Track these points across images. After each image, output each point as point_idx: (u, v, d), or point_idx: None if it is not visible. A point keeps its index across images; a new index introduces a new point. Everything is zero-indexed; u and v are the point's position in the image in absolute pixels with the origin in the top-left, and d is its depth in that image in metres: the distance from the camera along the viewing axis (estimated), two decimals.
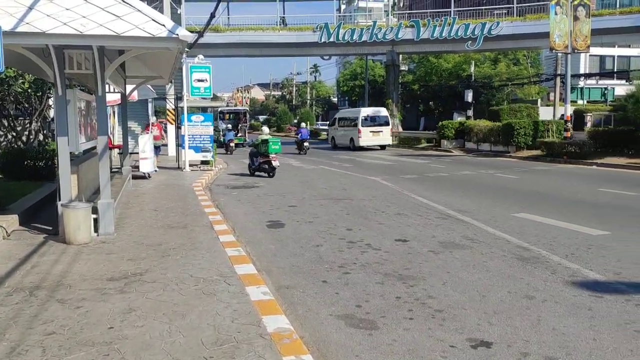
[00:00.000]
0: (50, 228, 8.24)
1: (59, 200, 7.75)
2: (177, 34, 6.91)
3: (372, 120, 31.53)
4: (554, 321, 4.90)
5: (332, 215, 10.32)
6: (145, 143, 15.33)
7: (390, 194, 13.03)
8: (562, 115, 35.94)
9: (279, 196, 12.88)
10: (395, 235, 8.51)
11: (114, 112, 20.20)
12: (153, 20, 7.04)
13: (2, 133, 16.01)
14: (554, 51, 22.32)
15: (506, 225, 9.14)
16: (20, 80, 14.82)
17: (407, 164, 21.24)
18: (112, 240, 7.67)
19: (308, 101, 78.07)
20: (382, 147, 31.25)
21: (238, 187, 14.72)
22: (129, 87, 13.54)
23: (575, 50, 21.76)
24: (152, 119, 19.70)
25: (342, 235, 8.56)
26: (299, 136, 29.70)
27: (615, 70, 53.01)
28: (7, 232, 7.74)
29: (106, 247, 7.31)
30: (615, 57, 55.20)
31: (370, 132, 30.79)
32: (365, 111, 32.82)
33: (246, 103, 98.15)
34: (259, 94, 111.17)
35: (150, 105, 27.63)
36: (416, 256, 7.23)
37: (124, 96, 13.36)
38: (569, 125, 21.96)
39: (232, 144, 28.49)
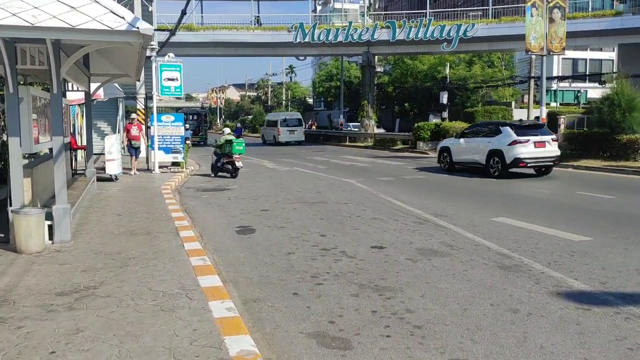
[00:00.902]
0: (2, 235, 7.65)
1: (10, 205, 7.18)
2: (138, 27, 6.41)
3: (289, 123, 40.16)
4: (542, 338, 4.55)
5: (305, 220, 9.89)
6: (112, 144, 14.70)
7: (365, 197, 12.66)
8: (537, 117, 36.22)
9: (251, 199, 12.41)
10: (371, 241, 8.12)
11: (81, 112, 19.52)
12: (111, 12, 6.53)
13: None
14: (529, 53, 22.24)
15: (485, 230, 8.83)
16: None
17: (382, 166, 20.92)
18: (67, 249, 7.13)
19: (284, 102, 77.50)
20: (298, 143, 39.42)
21: (209, 190, 14.21)
22: (93, 86, 12.93)
23: (551, 53, 21.70)
24: (133, 116, 18.50)
25: (315, 241, 8.14)
26: (235, 132, 38.23)
27: (588, 73, 53.66)
28: None
29: (60, 256, 6.77)
30: (588, 61, 55.83)
31: (287, 131, 39.61)
32: (283, 115, 42.98)
33: (221, 104, 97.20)
34: (234, 95, 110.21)
35: (120, 105, 26.91)
36: (393, 265, 6.85)
37: (88, 95, 12.75)
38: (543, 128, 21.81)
39: (188, 142, 28.52)
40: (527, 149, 16.17)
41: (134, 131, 17.34)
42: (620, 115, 18.67)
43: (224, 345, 4.10)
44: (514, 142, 16.19)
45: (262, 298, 5.62)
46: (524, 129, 16.93)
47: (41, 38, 6.69)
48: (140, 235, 8.02)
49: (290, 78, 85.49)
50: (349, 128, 42.33)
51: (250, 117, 72.75)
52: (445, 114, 40.19)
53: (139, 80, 16.23)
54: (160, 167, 17.93)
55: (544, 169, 17.15)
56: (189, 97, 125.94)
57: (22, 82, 8.09)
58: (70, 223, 7.41)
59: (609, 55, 54.85)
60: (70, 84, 12.90)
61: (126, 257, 6.71)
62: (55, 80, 7.10)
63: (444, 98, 40.15)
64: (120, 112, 26.72)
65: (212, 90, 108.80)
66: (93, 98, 15.82)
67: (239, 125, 47.38)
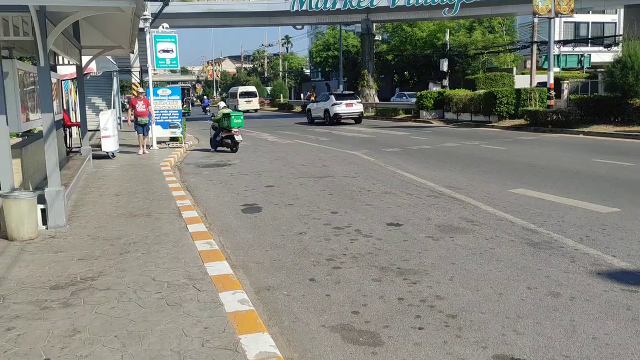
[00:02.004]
0: None
1: None
2: None
3: (246, 94, 50.15)
4: (592, 327, 4.08)
5: (313, 196, 9.39)
6: (107, 120, 14.11)
7: (373, 169, 12.15)
8: (545, 83, 35.48)
9: (254, 175, 11.89)
10: (386, 218, 7.63)
11: (74, 87, 18.84)
12: None
13: None
14: (537, 16, 21.49)
15: (505, 203, 8.34)
16: None
17: (387, 137, 20.36)
18: (63, 235, 6.63)
19: (280, 73, 76.36)
20: (255, 111, 48.84)
21: (209, 166, 13.68)
22: (85, 59, 12.27)
23: (559, 15, 20.96)
24: (140, 90, 16.63)
25: (327, 219, 7.65)
26: (202, 104, 49.44)
27: (590, 36, 52.64)
28: None
29: (55, 243, 6.28)
30: (590, 24, 54.69)
31: (245, 101, 48.87)
32: (241, 88, 52.35)
33: (217, 76, 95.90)
34: (230, 67, 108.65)
35: (115, 79, 26.19)
36: (413, 244, 6.37)
37: (80, 68, 12.10)
38: (552, 93, 21.26)
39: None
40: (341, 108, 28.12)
41: (140, 107, 15.79)
42: (634, 79, 18.03)
43: (240, 346, 3.63)
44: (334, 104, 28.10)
45: (277, 285, 5.14)
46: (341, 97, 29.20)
47: (24, 5, 6.09)
48: (140, 217, 7.52)
49: (287, 49, 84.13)
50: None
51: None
52: (446, 82, 39.45)
53: (132, 53, 15.50)
54: (158, 142, 17.36)
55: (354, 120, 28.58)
56: (184, 71, 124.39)
57: (7, 56, 7.49)
58: (64, 206, 6.90)
59: (612, 17, 53.77)
60: (60, 58, 12.22)
61: (126, 243, 6.22)
62: (42, 52, 6.50)
63: (444, 65, 39.37)
64: (115, 86, 26.00)
65: (208, 63, 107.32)
66: (86, 72, 15.17)
67: (205, 98, 54.90)
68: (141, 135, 15.81)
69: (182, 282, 4.87)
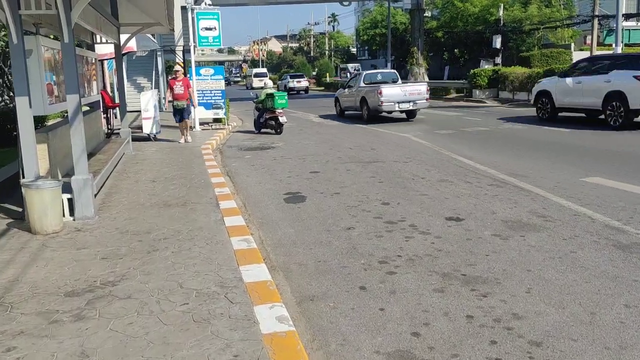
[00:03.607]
0: (21, 209, 6.68)
1: (22, 177, 6.16)
2: None
3: (259, 75, 57.25)
4: None
5: (362, 183, 8.62)
6: (148, 101, 13.64)
7: (426, 154, 11.26)
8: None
9: (299, 159, 11.19)
10: (444, 211, 6.81)
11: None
12: None
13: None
14: None
15: (579, 194, 7.37)
16: (3, 32, 13.08)
17: (439, 118, 19.30)
18: (90, 227, 6.10)
19: (326, 52, 75.27)
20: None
21: (252, 149, 13.06)
22: (123, 38, 11.76)
23: None
24: (177, 68, 14.26)
25: (377, 212, 6.89)
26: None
27: None
28: None
29: (80, 237, 5.74)
30: None
31: (258, 80, 52.33)
32: (255, 70, 61.79)
33: (263, 56, 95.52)
34: (276, 46, 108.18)
35: (159, 59, 25.89)
36: (478, 243, 5.54)
37: (118, 47, 11.60)
38: None
39: None
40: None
41: (178, 88, 13.43)
42: None
43: None
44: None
45: (321, 295, 4.43)
46: None
47: None
48: (174, 208, 6.93)
49: (333, 27, 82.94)
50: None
51: (292, 69, 70.96)
52: (499, 60, 37.65)
53: (173, 30, 14.92)
54: (200, 124, 16.87)
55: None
56: (231, 51, 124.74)
57: (33, 32, 6.96)
58: (92, 195, 6.36)
59: None
60: (98, 37, 11.74)
61: (156, 238, 5.62)
62: (66, 27, 5.92)
63: (497, 42, 37.56)
64: (160, 66, 25.70)
65: (254, 43, 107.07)
66: (126, 51, 14.73)
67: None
68: (180, 122, 13.77)
69: (213, 291, 4.21)
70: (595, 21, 37.52)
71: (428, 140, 13.17)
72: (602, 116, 14.60)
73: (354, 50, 75.45)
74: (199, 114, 16.73)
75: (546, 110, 16.54)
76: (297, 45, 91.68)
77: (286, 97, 15.79)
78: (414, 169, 9.62)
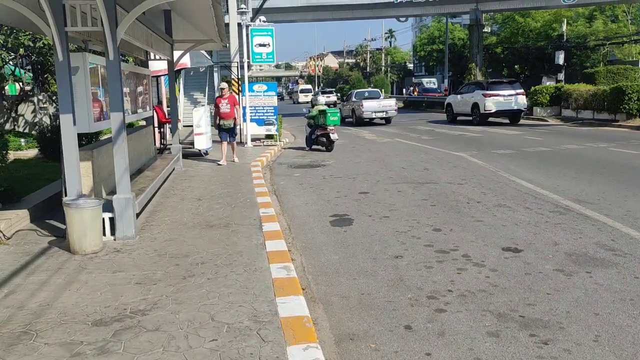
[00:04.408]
0: (65, 227, 6.62)
1: (65, 195, 6.10)
2: None
3: (305, 91, 63.90)
4: None
5: (413, 206, 8.21)
6: (200, 117, 13.66)
7: (483, 175, 10.72)
8: None
9: (349, 179, 10.86)
10: (501, 240, 6.32)
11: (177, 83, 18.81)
12: None
13: (44, 106, 14.79)
14: None
15: None
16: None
17: (496, 136, 18.60)
18: (129, 248, 5.95)
19: (382, 68, 74.89)
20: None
21: (302, 167, 12.83)
22: (177, 54, 11.81)
23: None
24: (223, 85, 12.88)
25: (428, 239, 6.47)
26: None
27: None
28: (3, 234, 6.17)
29: (118, 259, 5.59)
30: None
31: (304, 95, 60.88)
32: (301, 87, 65.14)
33: (319, 72, 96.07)
34: (332, 62, 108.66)
35: (215, 74, 26.24)
36: (539, 279, 5.05)
37: (171, 64, 11.66)
38: None
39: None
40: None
41: (224, 106, 12.42)
42: None
43: None
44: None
45: (363, 333, 4.07)
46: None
47: None
48: (217, 229, 6.72)
49: (390, 43, 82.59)
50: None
51: (348, 85, 70.97)
52: (561, 76, 36.33)
53: (226, 46, 14.97)
54: (252, 140, 16.84)
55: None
56: (288, 66, 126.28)
57: (82, 48, 6.96)
58: (133, 215, 6.22)
59: None
60: (152, 54, 11.83)
61: (193, 263, 5.40)
62: (111, 44, 5.84)
63: (560, 58, 36.26)
64: (216, 81, 26.03)
65: (311, 59, 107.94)
66: (180, 67, 14.87)
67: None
68: (225, 142, 12.68)
69: (245, 326, 3.92)
70: None
71: (485, 161, 12.59)
72: (471, 117, 24.17)
73: (410, 65, 74.79)
74: (251, 130, 16.70)
75: (451, 115, 25.97)
76: (354, 61, 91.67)
77: (339, 114, 15.54)
78: (469, 192, 9.13)
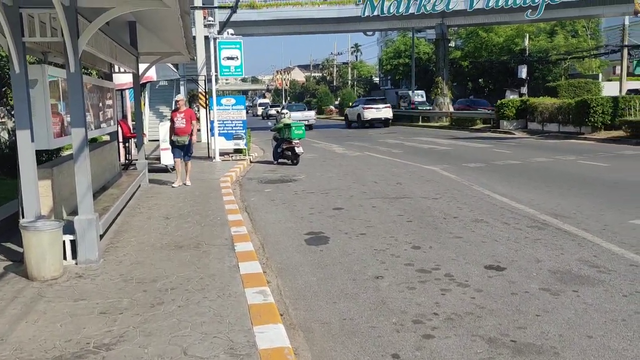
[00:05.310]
0: (21, 252, 6.17)
1: (22, 217, 5.68)
2: None
3: (262, 104, 68.33)
4: None
5: (389, 222, 8.00)
6: (166, 131, 13.22)
7: (456, 189, 10.60)
8: (637, 90, 32.42)
9: (321, 194, 10.61)
10: (482, 257, 6.14)
11: (143, 97, 18.31)
12: None
13: (3, 120, 14.13)
14: (638, 15, 19.20)
15: (632, 239, 6.66)
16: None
17: (466, 149, 18.63)
18: (92, 273, 5.56)
19: (349, 82, 75.24)
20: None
21: (273, 182, 12.52)
22: (142, 67, 11.42)
23: None
24: (178, 97, 11.66)
25: (408, 257, 6.25)
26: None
27: None
28: None
29: (80, 285, 5.19)
30: None
31: (262, 108, 65.31)
32: (260, 100, 70.54)
33: (286, 85, 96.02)
34: (299, 76, 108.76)
35: (182, 88, 25.78)
36: (526, 300, 4.86)
37: (136, 77, 11.26)
38: None
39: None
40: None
41: (179, 121, 11.16)
42: None
43: None
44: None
45: None
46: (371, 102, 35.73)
47: None
48: (186, 250, 6.37)
49: (356, 57, 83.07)
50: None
51: (315, 99, 71.00)
52: (524, 90, 36.94)
53: (194, 59, 14.63)
54: (221, 154, 16.46)
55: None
56: (255, 80, 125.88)
57: (41, 60, 6.57)
58: (97, 237, 5.83)
59: None
60: (117, 67, 11.41)
61: (162, 288, 5.05)
62: (72, 55, 5.49)
63: (523, 72, 36.85)
64: (182, 95, 25.55)
65: (277, 72, 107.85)
66: (146, 81, 14.45)
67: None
68: (178, 160, 11.45)
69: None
70: (625, 51, 36.72)
71: (457, 174, 12.50)
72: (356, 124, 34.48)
73: (376, 79, 75.33)
74: (219, 144, 16.33)
75: (347, 121, 36.19)
76: (320, 74, 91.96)
77: (303, 128, 15.50)
78: (445, 207, 8.98)
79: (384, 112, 33.74)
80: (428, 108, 38.58)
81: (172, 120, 11.43)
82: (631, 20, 38.20)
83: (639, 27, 44.41)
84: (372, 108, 33.77)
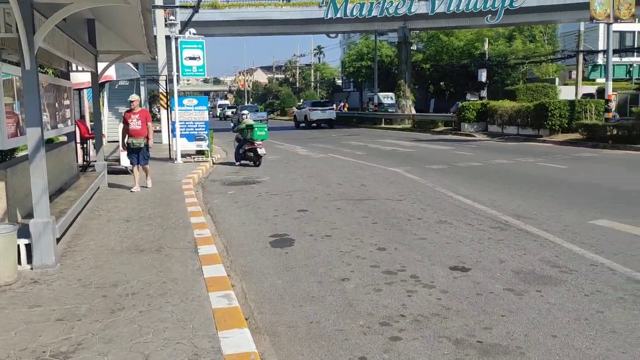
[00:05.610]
0: None
1: None
2: None
3: (222, 106, 69.75)
4: None
5: (354, 224, 7.98)
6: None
7: (420, 191, 10.67)
8: (589, 94, 33.42)
9: (285, 196, 10.53)
10: (446, 259, 6.17)
11: (101, 97, 17.87)
12: None
13: None
14: (594, 21, 19.77)
15: (591, 239, 6.79)
16: None
17: (429, 152, 18.83)
18: (48, 278, 5.35)
19: (312, 84, 75.33)
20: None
21: (236, 184, 12.37)
22: (101, 65, 11.13)
23: (619, 20, 19.21)
24: (132, 97, 10.95)
25: (373, 259, 6.23)
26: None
27: (636, 46, 50.20)
28: None
29: (35, 291, 4.99)
30: (636, 33, 52.19)
31: (220, 109, 66.68)
32: (219, 102, 70.43)
33: (249, 87, 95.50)
34: (261, 77, 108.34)
35: (142, 88, 25.30)
36: (491, 300, 4.89)
37: (95, 76, 10.96)
38: (611, 105, 19.48)
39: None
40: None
41: (134, 122, 10.60)
42: None
43: None
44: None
45: None
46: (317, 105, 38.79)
47: None
48: (148, 254, 6.20)
49: (319, 59, 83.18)
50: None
51: (278, 100, 70.84)
52: (484, 93, 37.65)
53: (154, 59, 14.36)
54: (183, 156, 16.20)
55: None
56: (217, 81, 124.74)
57: None
58: (53, 241, 5.62)
59: None
60: (74, 65, 11.09)
61: (123, 293, 4.89)
62: (28, 52, 5.27)
63: (483, 76, 37.58)
64: (143, 95, 25.07)
65: (240, 74, 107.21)
66: (105, 80, 14.10)
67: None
68: (136, 166, 10.88)
69: None
70: (581, 56, 37.80)
71: (420, 176, 12.60)
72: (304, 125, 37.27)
73: (339, 82, 75.60)
74: (180, 145, 16.07)
75: (296, 122, 39.12)
76: (283, 76, 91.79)
77: (266, 129, 15.46)
78: (409, 208, 9.01)
79: (328, 113, 36.93)
80: (394, 110, 38.96)
81: (125, 122, 10.81)
82: (586, 26, 39.42)
83: (594, 33, 45.98)
84: (317, 110, 37.03)
